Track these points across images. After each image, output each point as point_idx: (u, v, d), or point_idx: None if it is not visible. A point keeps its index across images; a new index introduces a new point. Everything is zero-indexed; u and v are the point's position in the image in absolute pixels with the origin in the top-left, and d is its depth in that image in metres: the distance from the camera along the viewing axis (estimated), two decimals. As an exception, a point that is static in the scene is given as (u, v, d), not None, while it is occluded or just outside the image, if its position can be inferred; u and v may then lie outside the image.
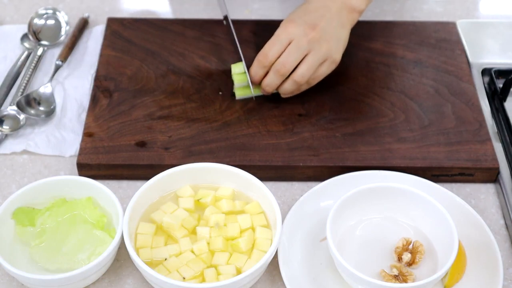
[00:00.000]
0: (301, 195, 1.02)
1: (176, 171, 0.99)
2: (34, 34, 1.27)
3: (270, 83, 1.10)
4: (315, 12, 1.09)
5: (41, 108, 1.15)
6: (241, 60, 1.13)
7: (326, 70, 1.11)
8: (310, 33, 1.07)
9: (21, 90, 1.17)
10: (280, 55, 1.08)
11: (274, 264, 0.95)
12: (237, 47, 1.14)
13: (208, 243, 0.95)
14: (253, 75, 1.11)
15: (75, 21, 1.30)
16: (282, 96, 1.13)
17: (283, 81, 1.10)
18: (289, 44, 1.08)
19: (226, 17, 1.17)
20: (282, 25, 1.10)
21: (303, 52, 1.08)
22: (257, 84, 1.12)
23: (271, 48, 1.08)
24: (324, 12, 1.09)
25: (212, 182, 1.01)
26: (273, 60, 1.08)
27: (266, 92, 1.13)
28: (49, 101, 1.16)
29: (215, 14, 1.33)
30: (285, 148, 1.08)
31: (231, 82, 1.16)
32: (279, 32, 1.09)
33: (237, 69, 1.13)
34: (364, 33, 1.25)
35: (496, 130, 1.13)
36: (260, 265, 0.89)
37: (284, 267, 0.94)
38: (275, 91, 1.13)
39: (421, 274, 0.94)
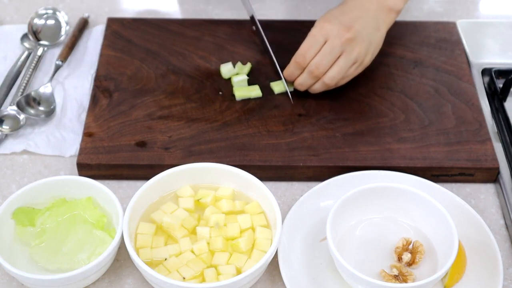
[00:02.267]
0: (301, 195, 1.02)
1: (176, 171, 0.99)
2: (34, 34, 1.27)
3: (303, 83, 1.12)
4: (351, 13, 1.09)
5: (41, 108, 1.15)
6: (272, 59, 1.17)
7: (354, 72, 1.12)
8: (345, 34, 1.07)
9: (21, 90, 1.17)
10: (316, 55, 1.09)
11: (274, 264, 0.95)
12: (266, 46, 1.16)
13: (208, 243, 0.95)
14: (289, 75, 1.13)
15: (75, 21, 1.30)
16: (311, 92, 1.14)
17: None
18: (324, 43, 1.08)
19: (252, 17, 1.18)
20: (317, 24, 1.10)
21: (337, 54, 1.08)
22: (292, 81, 1.14)
23: (308, 50, 1.09)
24: (361, 13, 1.09)
25: (212, 182, 1.01)
26: (309, 61, 1.10)
27: (299, 89, 1.14)
28: (49, 101, 1.16)
29: (215, 14, 1.33)
30: (285, 148, 1.08)
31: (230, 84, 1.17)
32: (314, 32, 1.09)
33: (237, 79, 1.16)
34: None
35: (496, 130, 1.13)
36: (260, 265, 0.89)
37: (284, 267, 0.94)
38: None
39: (421, 274, 0.94)
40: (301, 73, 1.11)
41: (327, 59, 1.08)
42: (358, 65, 1.11)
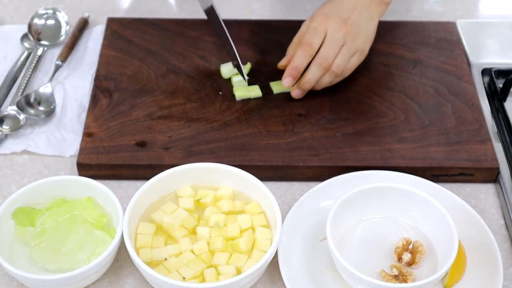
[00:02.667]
0: (301, 195, 1.02)
1: (176, 171, 0.99)
2: (34, 34, 1.27)
3: (312, 78, 1.12)
4: (346, 6, 1.12)
5: (41, 108, 1.15)
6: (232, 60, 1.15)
7: (356, 61, 1.14)
8: (343, 27, 1.10)
9: (21, 90, 1.17)
10: (320, 46, 1.10)
11: (274, 264, 0.95)
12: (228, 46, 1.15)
13: (208, 243, 0.95)
14: (297, 64, 1.12)
15: (75, 21, 1.30)
16: (317, 89, 1.14)
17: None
18: (324, 36, 1.10)
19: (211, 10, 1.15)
20: (315, 18, 1.12)
21: (340, 45, 1.10)
22: (297, 77, 1.12)
23: (312, 38, 1.10)
24: (355, 6, 1.12)
25: (212, 182, 1.01)
26: (316, 49, 1.10)
27: (303, 90, 1.13)
28: (49, 101, 1.16)
29: (215, 14, 1.33)
30: (285, 148, 1.08)
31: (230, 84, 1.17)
32: (315, 25, 1.11)
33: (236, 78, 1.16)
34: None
35: (496, 130, 1.13)
36: (260, 265, 0.89)
37: (284, 267, 0.94)
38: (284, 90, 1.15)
39: (421, 274, 0.94)
40: (307, 66, 1.11)
41: (333, 49, 1.10)
42: (359, 54, 1.14)
